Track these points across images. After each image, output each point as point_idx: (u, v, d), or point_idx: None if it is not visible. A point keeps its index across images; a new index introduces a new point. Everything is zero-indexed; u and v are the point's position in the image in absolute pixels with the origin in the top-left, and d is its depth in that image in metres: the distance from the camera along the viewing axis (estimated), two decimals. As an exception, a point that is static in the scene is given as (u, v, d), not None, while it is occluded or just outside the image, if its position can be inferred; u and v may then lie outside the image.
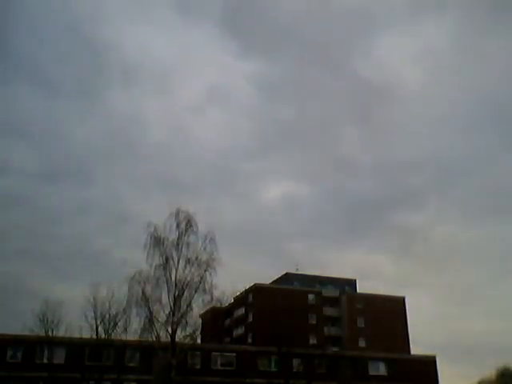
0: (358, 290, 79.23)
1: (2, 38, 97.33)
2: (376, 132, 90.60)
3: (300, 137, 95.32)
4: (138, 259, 31.82)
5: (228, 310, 68.38)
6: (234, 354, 50.05)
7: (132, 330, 34.49)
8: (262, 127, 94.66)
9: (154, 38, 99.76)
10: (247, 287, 66.67)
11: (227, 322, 73.71)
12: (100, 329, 40.20)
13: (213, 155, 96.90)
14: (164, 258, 31.96)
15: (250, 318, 68.74)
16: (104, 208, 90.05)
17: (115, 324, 39.71)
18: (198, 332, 35.17)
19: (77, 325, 40.38)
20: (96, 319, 40.17)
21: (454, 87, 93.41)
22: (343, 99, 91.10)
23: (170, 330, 31.24)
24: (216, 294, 31.87)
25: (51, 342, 41.24)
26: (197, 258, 32.14)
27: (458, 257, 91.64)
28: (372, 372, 53.37)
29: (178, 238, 32.38)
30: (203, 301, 31.83)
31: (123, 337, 39.00)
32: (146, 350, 38.19)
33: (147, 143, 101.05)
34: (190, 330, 32.35)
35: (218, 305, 34.02)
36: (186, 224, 32.61)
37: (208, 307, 33.20)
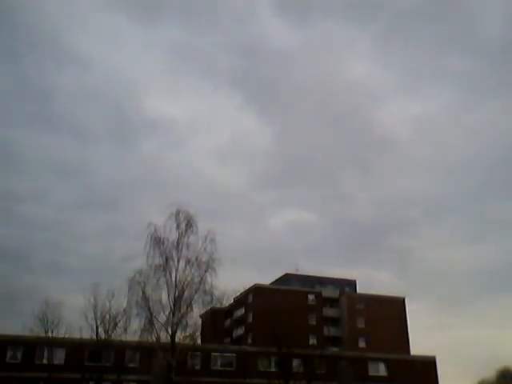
0: (358, 291, 79.21)
1: (48, 101, 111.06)
2: (373, 174, 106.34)
3: (305, 177, 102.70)
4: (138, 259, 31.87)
5: (228, 311, 68.53)
6: (234, 355, 50.08)
7: (132, 330, 34.41)
8: (273, 167, 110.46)
9: (181, 97, 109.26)
10: (247, 288, 66.70)
11: (227, 322, 73.78)
12: (100, 329, 40.24)
13: (228, 188, 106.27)
14: (164, 258, 31.91)
15: (250, 319, 68.76)
16: (127, 229, 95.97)
17: (115, 324, 39.72)
18: (198, 332, 35.13)
19: (77, 325, 40.46)
20: (96, 320, 40.23)
21: (447, 139, 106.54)
22: (345, 148, 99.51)
23: (169, 330, 31.20)
24: (216, 294, 31.88)
25: (51, 343, 41.23)
26: (197, 259, 32.10)
27: (446, 274, 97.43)
28: (372, 372, 53.38)
29: (178, 239, 32.32)
30: (203, 301, 31.78)
31: (123, 337, 38.94)
32: (145, 350, 38.13)
33: (167, 176, 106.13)
34: (190, 331, 32.30)
35: (218, 305, 34.04)
36: (186, 224, 32.57)
37: (208, 308, 33.14)
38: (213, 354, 48.68)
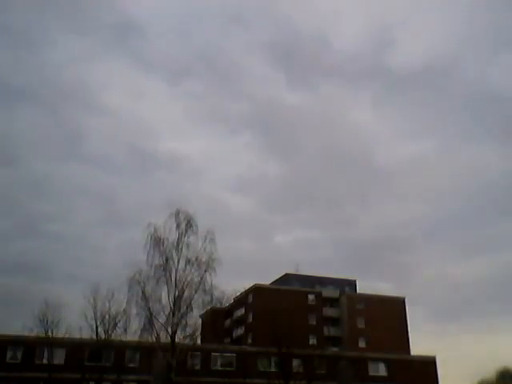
0: (357, 291, 79.20)
1: (82, 140, 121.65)
2: (372, 200, 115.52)
3: (310, 203, 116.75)
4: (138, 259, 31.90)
5: (228, 311, 68.51)
6: (234, 355, 50.07)
7: (132, 330, 34.45)
8: (281, 195, 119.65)
9: (199, 137, 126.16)
10: (247, 288, 66.69)
11: (227, 322, 73.77)
12: (100, 329, 40.14)
13: (240, 211, 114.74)
14: (164, 258, 31.93)
15: (250, 319, 68.74)
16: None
17: (115, 324, 39.66)
18: (198, 332, 35.12)
19: (77, 325, 40.38)
20: (96, 319, 40.11)
21: (435, 172, 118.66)
22: (347, 179, 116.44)
23: (169, 330, 31.20)
24: (216, 294, 31.88)
25: (51, 343, 41.15)
26: (197, 259, 32.11)
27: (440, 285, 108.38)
28: (372, 372, 53.37)
29: (178, 239, 32.35)
30: (203, 301, 31.79)
31: (123, 337, 38.92)
32: (145, 350, 38.14)
33: (183, 199, 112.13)
34: (189, 331, 32.30)
35: (218, 305, 34.02)
36: (186, 224, 32.59)
37: (208, 308, 33.15)
38: (213, 353, 48.68)
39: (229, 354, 50.03)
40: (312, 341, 66.38)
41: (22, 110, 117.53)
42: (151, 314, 31.21)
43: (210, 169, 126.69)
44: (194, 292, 31.63)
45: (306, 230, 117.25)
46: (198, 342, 37.80)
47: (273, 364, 48.89)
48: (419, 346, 72.40)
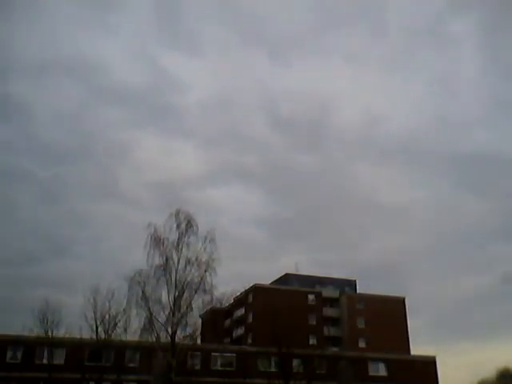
0: (357, 291, 79.19)
1: (117, 183, 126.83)
2: (370, 231, 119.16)
3: (314, 234, 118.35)
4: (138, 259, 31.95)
5: (228, 311, 68.44)
6: (234, 355, 50.06)
7: (132, 330, 34.55)
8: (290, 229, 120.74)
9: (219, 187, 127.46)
10: (247, 287, 66.66)
11: (227, 322, 73.72)
12: (100, 329, 40.15)
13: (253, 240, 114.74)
14: (164, 258, 31.98)
15: (250, 319, 68.73)
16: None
17: (115, 324, 39.67)
18: (198, 332, 35.18)
19: (77, 325, 40.38)
20: (96, 319, 40.11)
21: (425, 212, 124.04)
22: (346, 216, 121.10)
23: (169, 330, 31.25)
24: (216, 294, 31.98)
25: (51, 343, 41.16)
26: (197, 259, 32.17)
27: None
28: (372, 372, 53.36)
29: (178, 239, 32.41)
30: (203, 301, 31.88)
31: (123, 337, 38.98)
32: (145, 350, 38.15)
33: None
34: (189, 331, 32.39)
35: (218, 305, 34.15)
36: (186, 224, 32.64)
37: (208, 308, 33.18)
38: (213, 354, 48.66)
39: (229, 354, 50.02)
40: (312, 341, 66.35)
41: (71, 163, 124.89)
42: (151, 313, 31.25)
43: (229, 210, 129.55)
44: (193, 292, 31.68)
45: (312, 254, 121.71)
46: (198, 342, 37.85)
47: (273, 364, 48.88)
48: (419, 346, 72.78)
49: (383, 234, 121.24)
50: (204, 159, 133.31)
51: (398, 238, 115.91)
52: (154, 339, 31.42)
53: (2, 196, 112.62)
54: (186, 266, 31.99)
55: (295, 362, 47.87)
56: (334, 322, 73.12)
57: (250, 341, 65.63)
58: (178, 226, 32.59)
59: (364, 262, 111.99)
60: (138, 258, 31.89)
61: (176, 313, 31.14)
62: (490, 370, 69.63)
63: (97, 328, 40.09)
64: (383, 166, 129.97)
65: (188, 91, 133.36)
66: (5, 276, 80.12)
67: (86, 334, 40.64)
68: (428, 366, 55.54)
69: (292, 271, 76.00)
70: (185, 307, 31.48)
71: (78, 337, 40.87)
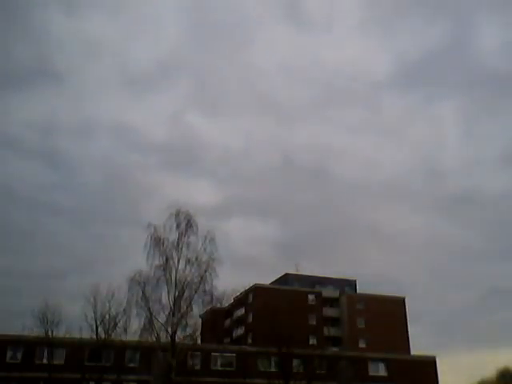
0: (357, 291, 79.20)
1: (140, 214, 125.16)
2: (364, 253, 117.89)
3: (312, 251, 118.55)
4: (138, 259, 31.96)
5: (228, 311, 68.41)
6: (234, 355, 50.04)
7: (132, 330, 34.55)
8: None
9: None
10: (247, 287, 66.66)
11: (227, 322, 73.72)
12: (100, 329, 40.08)
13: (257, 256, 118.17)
14: (164, 258, 32.00)
15: (250, 319, 68.74)
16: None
17: (115, 324, 39.61)
18: (198, 332, 35.18)
19: (77, 325, 40.35)
20: (96, 319, 40.03)
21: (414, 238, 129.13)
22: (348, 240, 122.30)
23: (169, 330, 31.26)
24: (216, 294, 31.94)
25: (51, 343, 41.12)
26: (197, 259, 32.18)
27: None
28: (372, 372, 53.34)
29: (178, 239, 32.43)
30: (203, 301, 31.88)
31: (123, 337, 38.90)
32: (145, 350, 38.20)
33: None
34: (189, 331, 32.40)
35: (218, 305, 34.07)
36: (186, 224, 32.65)
37: (208, 308, 33.18)
38: (213, 354, 48.64)
39: (229, 354, 50.01)
40: (312, 341, 66.37)
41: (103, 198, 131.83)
42: (151, 313, 31.25)
43: (242, 235, 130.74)
44: (193, 292, 31.69)
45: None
46: (198, 342, 37.83)
47: (273, 364, 48.88)
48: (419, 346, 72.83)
49: (383, 254, 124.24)
50: (223, 195, 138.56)
51: (397, 258, 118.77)
52: (154, 339, 31.43)
53: (40, 225, 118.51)
54: (186, 266, 32.05)
55: (295, 362, 47.86)
56: (334, 322, 73.12)
57: (250, 341, 65.63)
58: (178, 226, 32.62)
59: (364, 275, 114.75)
60: (138, 258, 31.98)
61: (176, 313, 31.15)
62: (490, 370, 69.92)
63: (97, 328, 40.06)
64: (382, 202, 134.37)
65: (210, 143, 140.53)
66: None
67: (86, 334, 40.65)
68: (428, 366, 55.53)
69: (292, 271, 76.07)
70: (185, 307, 31.50)
71: (78, 337, 40.86)
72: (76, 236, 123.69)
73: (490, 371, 72.05)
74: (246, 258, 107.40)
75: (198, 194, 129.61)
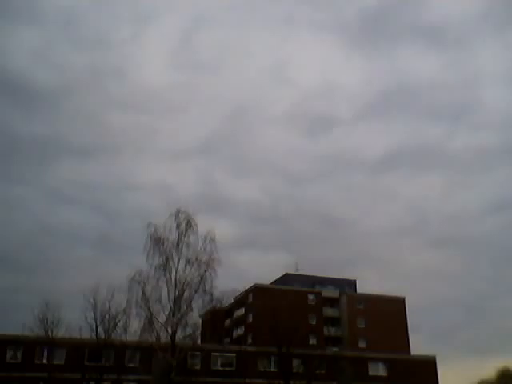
0: (357, 291, 79.20)
1: None
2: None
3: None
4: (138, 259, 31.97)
5: (228, 311, 68.27)
6: (234, 355, 50.11)
7: (132, 330, 34.52)
8: None
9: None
10: (247, 288, 66.65)
11: (227, 322, 73.63)
12: (100, 329, 40.14)
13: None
14: (164, 258, 31.97)
15: (250, 319, 68.75)
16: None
17: (115, 324, 39.65)
18: (198, 332, 35.15)
19: (77, 325, 40.36)
20: (96, 320, 40.09)
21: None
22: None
23: (169, 330, 31.26)
24: (216, 294, 31.94)
25: (51, 343, 41.17)
26: (197, 259, 32.16)
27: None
28: (372, 372, 53.40)
29: (178, 239, 32.40)
30: (203, 301, 31.87)
31: (123, 337, 38.96)
32: (145, 350, 38.13)
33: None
34: (189, 331, 32.38)
35: (218, 305, 34.02)
36: (186, 224, 32.62)
37: (208, 308, 33.17)
38: (213, 354, 48.70)
39: (229, 354, 50.06)
40: (312, 341, 66.33)
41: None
42: (151, 313, 31.23)
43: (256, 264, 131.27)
44: (193, 292, 31.68)
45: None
46: (198, 342, 37.81)
47: (273, 364, 48.96)
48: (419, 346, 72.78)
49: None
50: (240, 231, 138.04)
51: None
52: (154, 339, 31.42)
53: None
54: (185, 266, 32.02)
55: (295, 362, 47.91)
56: (334, 321, 73.11)
57: (250, 341, 65.65)
58: (178, 226, 32.58)
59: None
60: (138, 258, 31.97)
61: (176, 313, 31.14)
62: (490, 370, 69.82)
63: (97, 328, 40.11)
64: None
65: (233, 194, 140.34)
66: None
67: (86, 334, 40.68)
68: (428, 366, 55.57)
69: (292, 271, 76.06)
70: (185, 307, 31.49)
71: (78, 337, 40.87)
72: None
73: (490, 371, 72.08)
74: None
75: (221, 229, 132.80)
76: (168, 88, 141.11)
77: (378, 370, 54.00)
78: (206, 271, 31.86)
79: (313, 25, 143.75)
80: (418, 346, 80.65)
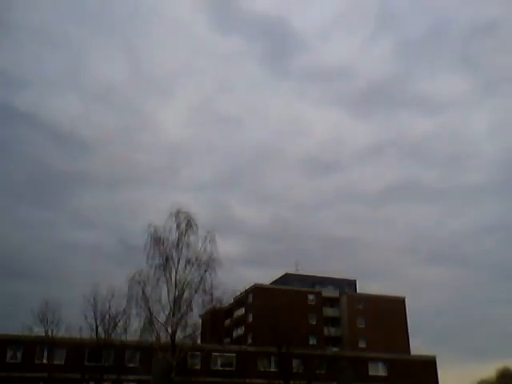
0: (357, 291, 79.22)
1: None
2: None
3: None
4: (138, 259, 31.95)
5: (228, 311, 68.34)
6: (234, 355, 50.12)
7: (132, 330, 34.47)
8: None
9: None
10: (247, 287, 66.67)
11: (227, 322, 73.67)
12: (100, 329, 40.11)
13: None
14: (164, 258, 31.95)
15: (250, 319, 68.75)
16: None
17: (115, 324, 39.64)
18: (198, 332, 35.14)
19: (77, 325, 40.36)
20: (96, 319, 40.06)
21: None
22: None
23: (169, 330, 31.23)
24: (216, 294, 31.88)
25: (51, 343, 41.20)
26: (197, 259, 32.14)
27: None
28: (372, 372, 53.42)
29: (178, 239, 32.38)
30: (203, 301, 31.82)
31: (123, 337, 38.94)
32: (145, 350, 38.15)
33: None
34: (189, 331, 32.33)
35: (218, 305, 33.98)
36: (186, 224, 32.61)
37: (208, 308, 33.14)
38: (213, 353, 48.71)
39: (229, 354, 50.07)
40: (312, 341, 66.38)
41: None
42: (151, 313, 31.22)
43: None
44: (194, 292, 31.67)
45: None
46: (198, 342, 37.80)
47: (273, 364, 48.97)
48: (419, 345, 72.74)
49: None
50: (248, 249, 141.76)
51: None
52: (154, 339, 31.41)
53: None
54: (185, 266, 31.99)
55: (295, 362, 47.93)
56: (334, 321, 73.13)
57: (250, 341, 65.65)
58: (178, 226, 32.57)
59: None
60: (138, 258, 31.96)
61: (176, 313, 31.13)
62: (490, 370, 69.92)
63: (97, 328, 40.08)
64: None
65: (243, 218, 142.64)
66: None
67: (86, 334, 40.66)
68: (428, 366, 55.58)
69: (292, 271, 76.08)
70: (185, 307, 31.46)
71: (78, 337, 40.87)
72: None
73: (490, 371, 72.21)
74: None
75: (232, 247, 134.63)
76: (191, 137, 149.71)
77: (378, 370, 54.02)
78: (205, 271, 31.85)
79: (324, 97, 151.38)
80: (418, 346, 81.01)
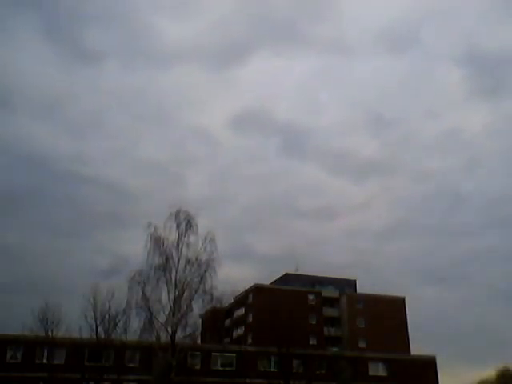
0: (357, 291, 79.20)
1: None
2: None
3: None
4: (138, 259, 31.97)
5: (228, 311, 68.26)
6: (234, 355, 50.07)
7: (132, 330, 34.52)
8: None
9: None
10: (247, 287, 66.68)
11: (227, 322, 73.64)
12: (100, 329, 40.02)
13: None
14: (164, 258, 31.96)
15: (250, 319, 68.75)
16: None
17: (115, 324, 39.57)
18: (198, 332, 35.22)
19: (77, 325, 40.32)
20: (96, 319, 39.96)
21: None
22: None
23: (169, 330, 31.23)
24: (216, 294, 31.91)
25: (51, 343, 41.11)
26: (197, 259, 32.16)
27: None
28: (372, 372, 53.38)
29: (178, 239, 32.39)
30: (203, 301, 31.86)
31: (123, 337, 38.91)
32: (145, 350, 38.13)
33: None
34: (189, 331, 32.37)
35: (218, 305, 34.00)
36: (186, 224, 32.62)
37: (208, 307, 33.18)
38: (213, 353, 48.68)
39: (229, 354, 50.02)
40: (312, 341, 66.33)
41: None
42: (151, 313, 31.23)
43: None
44: (193, 292, 31.68)
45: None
46: (198, 341, 37.89)
47: (273, 364, 48.97)
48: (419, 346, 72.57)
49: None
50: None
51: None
52: (154, 339, 31.41)
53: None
54: (185, 266, 32.00)
55: (295, 362, 47.96)
56: (334, 321, 73.11)
57: (250, 341, 65.65)
58: (178, 226, 32.58)
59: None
60: (138, 257, 31.98)
61: (176, 313, 31.13)
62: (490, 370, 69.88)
63: (97, 328, 40.01)
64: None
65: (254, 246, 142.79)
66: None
67: (86, 334, 40.62)
68: (428, 366, 55.57)
69: (292, 271, 76.05)
70: (185, 307, 31.48)
71: (78, 337, 40.84)
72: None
73: (490, 371, 72.14)
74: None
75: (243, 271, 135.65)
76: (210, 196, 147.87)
77: (378, 370, 54.00)
78: (205, 271, 31.87)
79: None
80: (418, 346, 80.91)
